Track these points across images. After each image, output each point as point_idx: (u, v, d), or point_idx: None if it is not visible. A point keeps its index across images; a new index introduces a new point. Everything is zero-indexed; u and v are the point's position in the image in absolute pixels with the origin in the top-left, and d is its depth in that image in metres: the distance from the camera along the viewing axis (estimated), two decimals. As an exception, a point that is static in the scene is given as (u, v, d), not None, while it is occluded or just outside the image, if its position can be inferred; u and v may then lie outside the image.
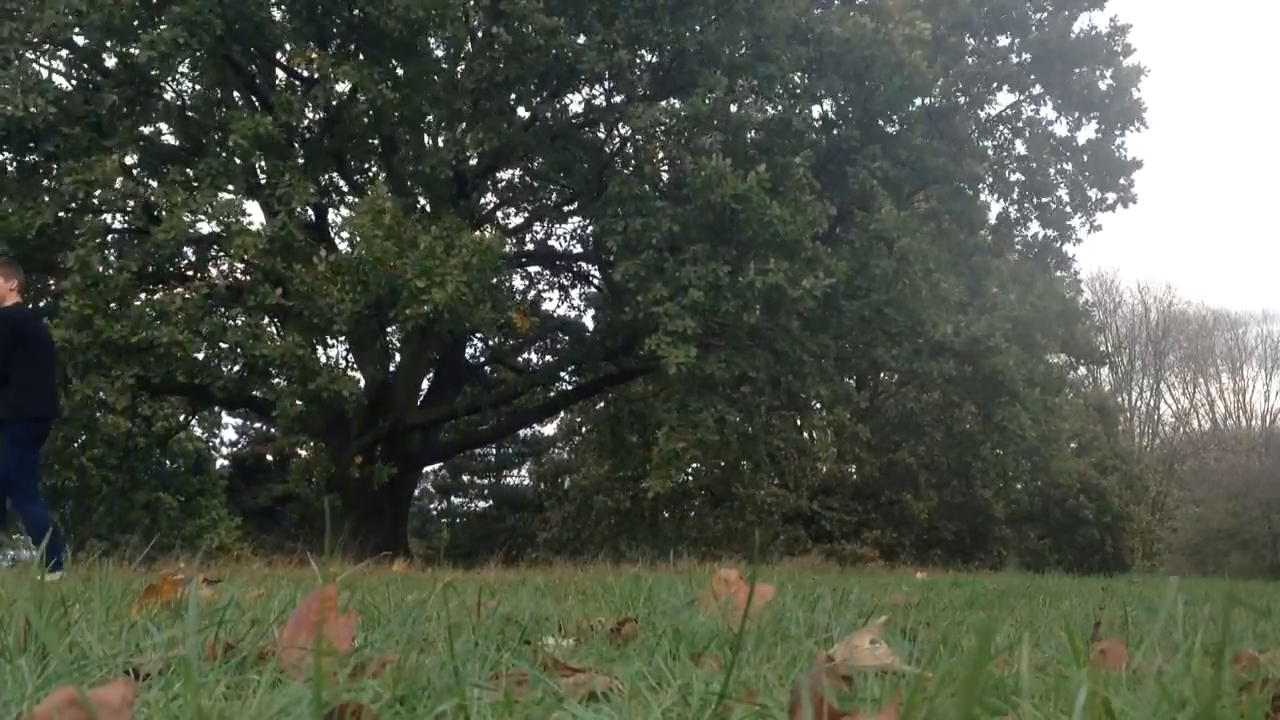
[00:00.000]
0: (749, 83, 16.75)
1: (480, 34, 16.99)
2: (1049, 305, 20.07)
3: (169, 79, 16.14)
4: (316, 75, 15.56)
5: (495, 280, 15.33)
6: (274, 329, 16.52)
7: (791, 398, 20.55)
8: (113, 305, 14.20)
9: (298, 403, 15.07)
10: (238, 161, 14.90)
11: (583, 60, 15.65)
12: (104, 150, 14.51)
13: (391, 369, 18.87)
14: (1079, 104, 20.95)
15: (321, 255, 14.77)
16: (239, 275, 16.32)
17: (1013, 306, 18.32)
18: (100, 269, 14.22)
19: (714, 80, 15.88)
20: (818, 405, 20.91)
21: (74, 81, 16.20)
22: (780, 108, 17.70)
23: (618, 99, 17.52)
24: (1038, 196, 22.38)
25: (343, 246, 16.18)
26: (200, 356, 15.12)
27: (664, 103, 16.78)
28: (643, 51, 16.52)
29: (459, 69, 16.96)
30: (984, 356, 17.29)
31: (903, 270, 16.55)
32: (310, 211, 16.95)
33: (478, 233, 14.81)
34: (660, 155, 16.84)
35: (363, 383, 17.29)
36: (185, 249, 16.00)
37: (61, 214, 14.34)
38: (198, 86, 16.94)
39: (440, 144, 17.98)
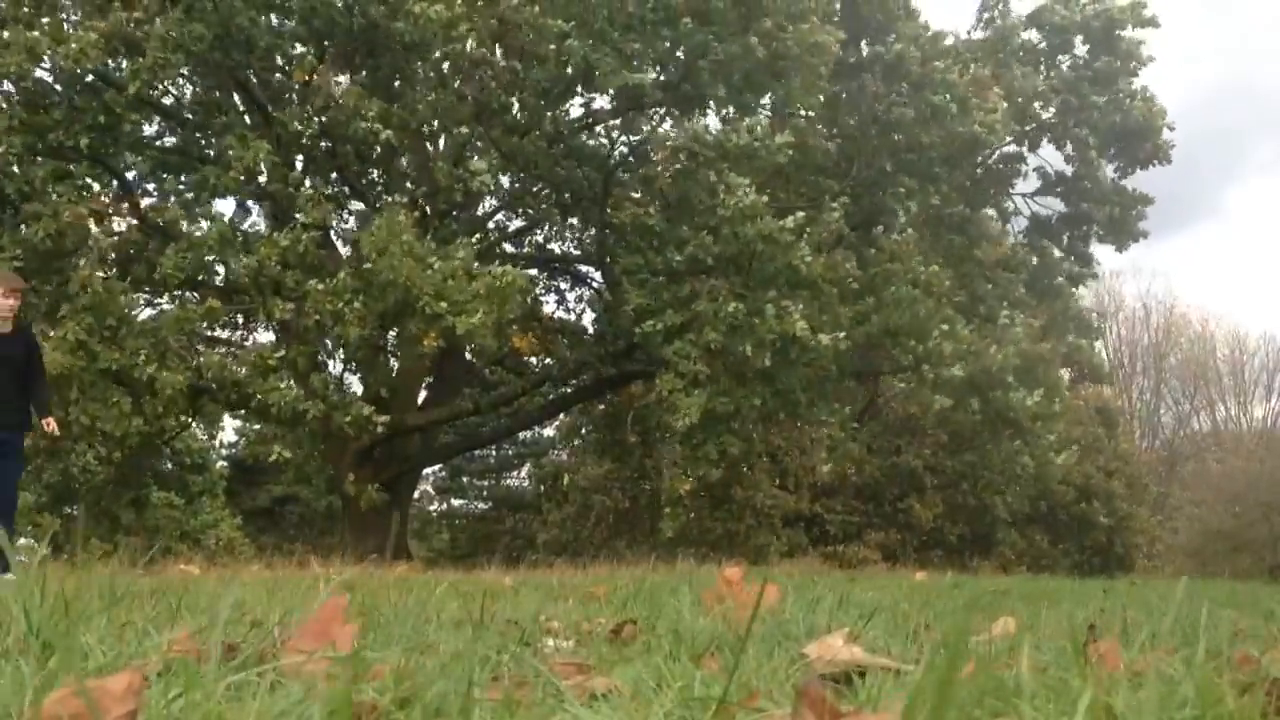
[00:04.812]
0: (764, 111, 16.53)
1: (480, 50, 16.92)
2: (1059, 333, 20.14)
3: (172, 84, 16.13)
4: (316, 85, 15.56)
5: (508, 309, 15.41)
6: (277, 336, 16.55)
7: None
8: (109, 328, 14.14)
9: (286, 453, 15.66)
10: (236, 178, 14.88)
11: (595, 72, 15.30)
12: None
13: (391, 371, 18.86)
14: (1103, 145, 20.73)
15: (337, 270, 14.86)
16: (246, 285, 16.31)
17: (1019, 338, 18.05)
18: (101, 291, 14.08)
19: (725, 100, 15.71)
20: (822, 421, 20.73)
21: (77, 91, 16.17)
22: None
23: (627, 111, 17.29)
24: (1057, 232, 22.37)
25: (355, 257, 16.16)
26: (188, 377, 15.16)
27: (689, 122, 16.14)
28: (655, 67, 16.07)
29: (459, 78, 16.91)
30: (992, 389, 17.08)
31: (918, 300, 16.44)
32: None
33: (504, 267, 14.81)
34: (668, 174, 16.49)
35: (363, 393, 17.30)
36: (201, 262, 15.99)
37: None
38: (196, 87, 16.93)
39: (441, 149, 17.97)
